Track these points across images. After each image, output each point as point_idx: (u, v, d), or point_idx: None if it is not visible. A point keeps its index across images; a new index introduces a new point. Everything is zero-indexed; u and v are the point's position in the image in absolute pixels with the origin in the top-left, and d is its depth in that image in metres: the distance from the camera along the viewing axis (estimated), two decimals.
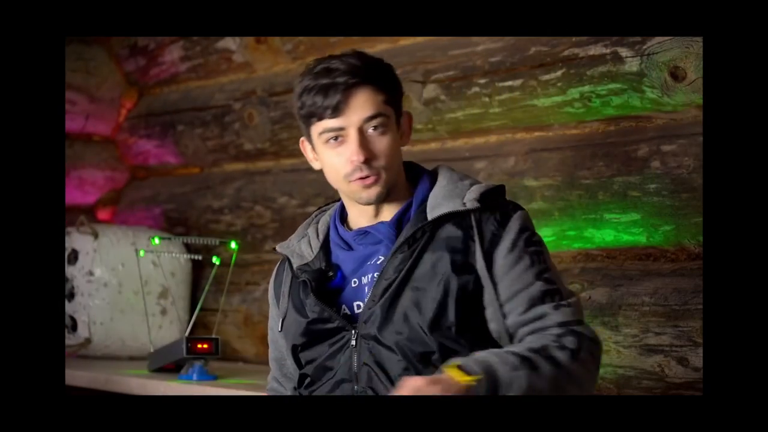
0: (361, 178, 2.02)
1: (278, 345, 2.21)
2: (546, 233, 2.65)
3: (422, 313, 1.98)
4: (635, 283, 2.50)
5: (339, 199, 2.17)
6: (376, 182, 2.02)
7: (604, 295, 2.54)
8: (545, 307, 1.97)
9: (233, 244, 3.16)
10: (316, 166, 2.12)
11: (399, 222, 2.06)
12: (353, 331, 2.03)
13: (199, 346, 3.00)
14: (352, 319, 2.04)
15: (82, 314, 3.47)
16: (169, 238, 3.47)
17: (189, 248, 3.62)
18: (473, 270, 1.99)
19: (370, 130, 2.01)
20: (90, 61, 4.03)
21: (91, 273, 3.47)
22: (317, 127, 2.03)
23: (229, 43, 3.61)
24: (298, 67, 3.45)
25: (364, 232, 2.09)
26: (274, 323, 2.21)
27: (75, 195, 4.02)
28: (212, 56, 3.70)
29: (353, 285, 2.07)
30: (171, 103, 3.89)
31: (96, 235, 3.49)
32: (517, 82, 2.73)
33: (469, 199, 2.02)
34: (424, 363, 1.98)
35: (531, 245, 2.02)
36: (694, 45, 2.35)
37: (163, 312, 3.53)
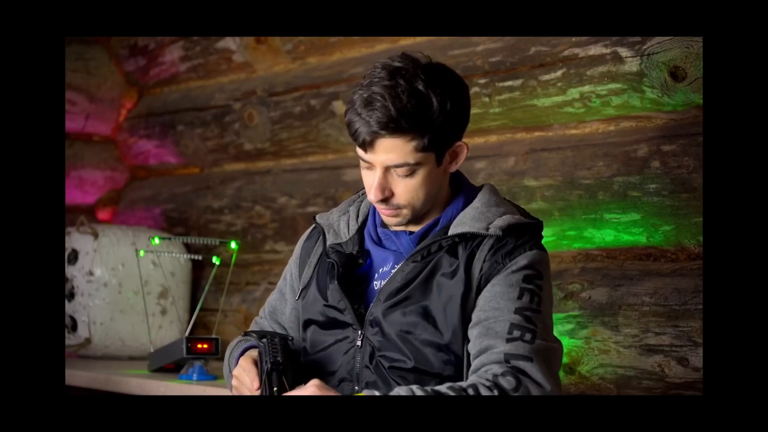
0: (380, 208, 2.03)
1: (284, 296, 2.22)
2: (546, 233, 2.64)
3: (426, 326, 1.97)
4: (635, 283, 2.50)
5: None
6: (394, 215, 2.03)
7: (604, 295, 2.54)
8: (498, 340, 1.90)
9: (233, 244, 3.16)
10: None
11: (423, 237, 2.05)
12: (359, 332, 2.03)
13: (199, 346, 3.00)
14: (361, 319, 2.03)
15: (82, 314, 3.47)
16: (169, 238, 3.47)
17: (189, 248, 3.62)
18: (469, 294, 1.97)
19: (396, 172, 1.98)
20: (90, 61, 4.03)
21: (91, 273, 3.47)
22: (356, 146, 2.01)
23: (229, 43, 3.61)
24: (298, 67, 3.46)
25: (389, 235, 2.08)
26: (290, 278, 2.21)
27: (75, 195, 4.03)
28: (212, 56, 3.70)
29: (375, 287, 2.07)
30: (171, 103, 3.89)
31: (96, 235, 3.49)
32: (517, 82, 2.73)
33: (495, 225, 1.99)
34: (422, 371, 1.98)
35: (529, 282, 1.96)
36: (694, 45, 2.35)
37: (163, 312, 3.54)
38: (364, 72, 3.15)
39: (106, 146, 4.13)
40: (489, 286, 1.96)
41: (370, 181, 2.00)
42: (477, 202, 2.05)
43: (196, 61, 3.77)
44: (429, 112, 1.95)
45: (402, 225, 2.05)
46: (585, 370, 2.55)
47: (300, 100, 3.36)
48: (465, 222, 2.02)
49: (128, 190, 4.12)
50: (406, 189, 1.99)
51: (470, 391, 1.85)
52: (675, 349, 2.39)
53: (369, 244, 2.11)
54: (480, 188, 2.10)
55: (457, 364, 1.97)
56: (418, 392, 1.86)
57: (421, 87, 1.94)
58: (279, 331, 2.23)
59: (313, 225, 2.21)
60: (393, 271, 2.04)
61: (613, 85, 2.53)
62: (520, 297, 1.94)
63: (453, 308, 1.96)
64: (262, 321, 2.28)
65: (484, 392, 1.85)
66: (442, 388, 1.87)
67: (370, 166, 1.99)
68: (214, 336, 3.06)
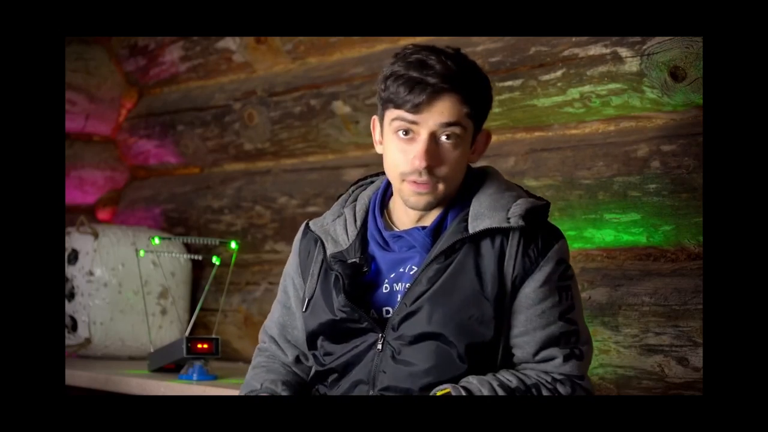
0: (416, 183, 1.96)
1: (291, 311, 2.16)
2: None
3: (452, 329, 1.94)
4: (635, 283, 2.50)
5: (380, 173, 2.12)
6: (430, 191, 1.97)
7: (604, 295, 2.54)
8: (556, 351, 1.96)
9: (233, 244, 3.16)
10: (379, 149, 2.05)
11: (437, 229, 2.01)
12: (380, 335, 1.98)
13: (199, 346, 3.00)
14: (380, 322, 1.99)
15: (82, 314, 3.47)
16: (169, 238, 3.47)
17: (189, 248, 3.62)
18: (504, 292, 1.96)
19: (443, 138, 1.95)
20: (90, 61, 4.03)
21: (91, 273, 3.47)
22: (392, 113, 1.96)
23: (229, 43, 3.61)
24: (298, 67, 3.46)
25: (398, 236, 2.03)
26: (294, 288, 2.15)
27: (75, 195, 4.03)
28: (212, 56, 3.70)
29: (384, 290, 2.02)
30: (171, 103, 3.89)
31: (96, 235, 3.49)
32: (517, 82, 2.73)
33: (514, 214, 1.96)
34: (441, 373, 1.95)
35: (564, 280, 1.99)
36: (694, 45, 2.35)
37: (163, 312, 3.54)
38: (364, 72, 3.17)
39: (106, 146, 4.13)
40: (528, 290, 1.96)
41: (405, 155, 1.95)
42: (488, 188, 2.02)
43: (196, 61, 3.77)
44: (478, 76, 1.98)
45: (428, 208, 1.99)
46: None
47: (300, 100, 3.36)
48: (483, 213, 1.98)
49: (128, 190, 4.12)
50: (451, 159, 1.96)
51: (533, 391, 1.93)
52: (675, 349, 2.40)
53: (374, 248, 2.05)
54: (481, 170, 2.08)
55: (476, 365, 1.95)
56: (497, 387, 1.91)
57: (462, 54, 1.99)
58: (289, 351, 2.18)
59: (303, 230, 2.15)
60: (412, 273, 1.99)
61: (613, 85, 2.53)
62: (559, 302, 1.97)
63: (481, 308, 1.94)
64: (269, 346, 2.22)
65: (544, 392, 1.94)
66: (515, 379, 1.94)
67: (413, 136, 1.95)
68: (214, 336, 3.06)
